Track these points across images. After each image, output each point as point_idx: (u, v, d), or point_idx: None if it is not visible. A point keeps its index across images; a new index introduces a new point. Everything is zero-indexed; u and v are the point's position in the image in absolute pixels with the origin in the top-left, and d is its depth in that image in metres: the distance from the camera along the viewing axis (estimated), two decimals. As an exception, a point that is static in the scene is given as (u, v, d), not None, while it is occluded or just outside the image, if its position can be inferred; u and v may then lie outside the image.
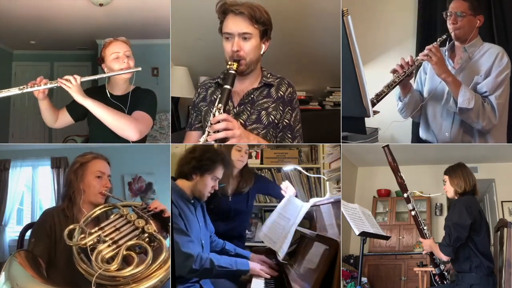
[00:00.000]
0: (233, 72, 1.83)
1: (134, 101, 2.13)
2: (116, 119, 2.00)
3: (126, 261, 1.54)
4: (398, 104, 2.44)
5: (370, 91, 2.14)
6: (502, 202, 3.62)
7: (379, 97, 2.24)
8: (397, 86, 2.29)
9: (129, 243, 1.53)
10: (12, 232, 3.99)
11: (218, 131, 1.74)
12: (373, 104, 2.22)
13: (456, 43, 2.32)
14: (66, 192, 1.84)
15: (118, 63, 2.10)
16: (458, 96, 2.16)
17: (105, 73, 2.13)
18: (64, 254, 1.68)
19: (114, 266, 1.44)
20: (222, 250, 2.27)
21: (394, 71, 2.27)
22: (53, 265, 1.67)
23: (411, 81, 2.38)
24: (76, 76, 1.97)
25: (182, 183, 2.00)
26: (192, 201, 2.02)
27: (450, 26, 2.24)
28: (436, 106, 2.37)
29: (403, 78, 2.25)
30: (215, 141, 1.77)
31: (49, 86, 1.96)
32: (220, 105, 1.78)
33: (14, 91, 1.94)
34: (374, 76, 2.45)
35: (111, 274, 1.43)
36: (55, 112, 2.19)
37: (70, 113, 2.21)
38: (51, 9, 3.30)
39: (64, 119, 2.23)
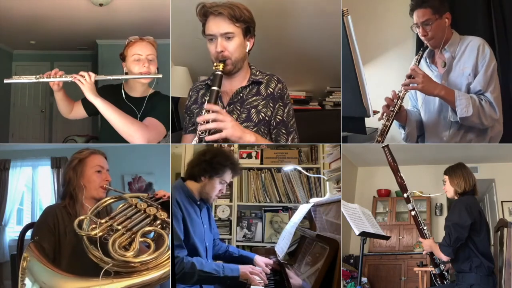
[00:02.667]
0: (219, 73, 1.83)
1: (150, 106, 2.08)
2: (124, 123, 1.95)
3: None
4: (402, 134, 2.40)
5: (370, 91, 2.14)
6: (502, 202, 3.62)
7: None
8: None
9: (146, 228, 1.57)
10: (12, 232, 3.99)
11: (208, 124, 1.73)
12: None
13: (435, 49, 2.28)
14: (66, 190, 1.84)
15: (138, 66, 2.04)
16: (455, 106, 2.12)
17: (124, 71, 2.09)
18: (68, 250, 1.70)
19: (131, 252, 1.47)
20: (226, 253, 2.27)
21: (382, 114, 2.22)
22: (57, 262, 1.68)
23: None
24: (91, 73, 1.94)
25: (191, 185, 2.02)
26: (198, 203, 2.03)
27: (422, 38, 2.20)
28: (430, 113, 2.35)
29: (393, 118, 2.21)
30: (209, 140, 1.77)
31: (63, 79, 1.97)
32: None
33: (30, 78, 1.96)
34: (374, 76, 2.46)
35: (128, 260, 1.46)
36: (70, 103, 2.17)
37: (85, 107, 2.19)
38: (51, 9, 3.30)
39: (78, 111, 2.21)
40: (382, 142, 2.20)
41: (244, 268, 1.95)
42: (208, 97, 1.82)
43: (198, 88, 2.08)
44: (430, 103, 2.33)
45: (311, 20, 2.85)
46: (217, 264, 1.92)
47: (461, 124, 2.22)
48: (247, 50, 1.93)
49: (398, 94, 2.19)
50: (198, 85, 2.10)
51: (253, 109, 1.93)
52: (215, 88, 1.81)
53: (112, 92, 2.07)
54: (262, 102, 1.94)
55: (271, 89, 1.96)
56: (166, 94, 2.20)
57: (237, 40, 1.87)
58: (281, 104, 1.95)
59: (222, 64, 1.84)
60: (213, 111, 1.74)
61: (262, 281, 1.95)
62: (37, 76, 1.95)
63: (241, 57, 1.91)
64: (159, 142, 2.14)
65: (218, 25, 1.85)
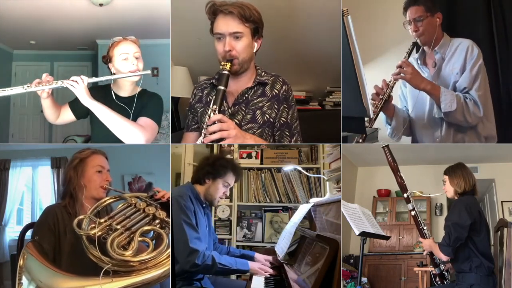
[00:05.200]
0: (226, 72, 1.83)
1: (140, 104, 2.08)
2: (123, 126, 1.95)
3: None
4: (388, 129, 2.43)
5: (370, 91, 2.15)
6: (502, 202, 3.62)
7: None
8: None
9: (145, 228, 1.58)
10: (12, 232, 3.99)
11: (213, 132, 1.75)
12: (363, 140, 2.28)
13: (425, 47, 2.32)
14: (67, 189, 1.85)
15: (127, 64, 2.04)
16: (440, 101, 2.18)
17: (110, 72, 2.09)
18: (68, 249, 1.70)
19: (129, 252, 1.48)
20: (228, 254, 2.31)
21: (372, 100, 2.26)
22: (57, 262, 1.68)
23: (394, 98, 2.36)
24: (83, 77, 1.93)
25: (198, 188, 2.12)
26: (204, 206, 2.11)
27: (413, 34, 2.25)
28: (421, 116, 2.37)
29: (381, 105, 2.25)
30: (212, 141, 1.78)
31: (54, 86, 1.92)
32: (214, 106, 1.78)
33: (17, 90, 1.89)
34: (374, 76, 2.45)
35: (127, 259, 1.47)
36: (57, 109, 2.12)
37: (73, 111, 2.15)
38: (51, 9, 3.30)
39: (66, 116, 2.16)
40: (371, 127, 2.28)
41: (253, 264, 2.10)
42: (214, 97, 1.82)
43: (203, 86, 2.08)
44: (422, 104, 2.35)
45: (311, 20, 2.85)
46: (231, 258, 2.03)
47: (450, 123, 2.26)
48: (254, 51, 1.93)
49: (388, 83, 2.25)
50: (203, 83, 2.09)
51: (258, 111, 1.93)
52: (221, 87, 1.81)
53: (101, 94, 2.05)
54: (267, 104, 1.94)
55: (276, 91, 1.96)
56: (153, 92, 2.18)
57: (245, 40, 1.87)
58: (285, 106, 1.95)
59: (229, 64, 1.84)
60: (217, 120, 1.76)
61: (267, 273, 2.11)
62: (25, 86, 1.88)
63: (248, 57, 1.91)
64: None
65: (227, 24, 1.85)
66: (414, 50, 2.34)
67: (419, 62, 2.35)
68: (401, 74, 2.20)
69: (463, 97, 2.18)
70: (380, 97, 2.25)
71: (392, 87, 2.25)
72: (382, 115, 2.35)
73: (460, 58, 2.21)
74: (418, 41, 2.26)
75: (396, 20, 3.02)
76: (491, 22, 2.63)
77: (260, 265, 2.14)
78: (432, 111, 2.31)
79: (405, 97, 2.46)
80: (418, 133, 2.42)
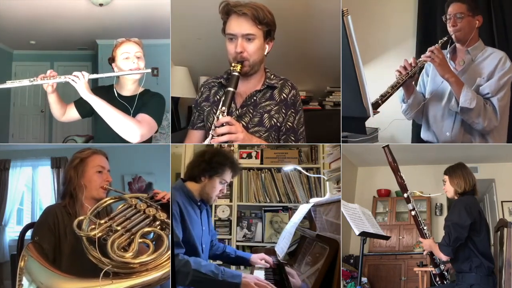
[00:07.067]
0: (236, 74, 1.82)
1: (141, 103, 2.11)
2: (119, 119, 1.98)
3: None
4: (402, 106, 2.45)
5: (370, 91, 2.14)
6: (502, 202, 3.62)
7: (384, 97, 2.26)
8: (401, 88, 2.31)
9: (145, 229, 1.58)
10: (12, 232, 3.99)
11: (221, 135, 1.75)
12: (378, 105, 2.24)
13: (458, 45, 2.34)
14: (67, 189, 1.85)
15: (128, 64, 2.09)
16: (460, 96, 2.18)
17: (115, 71, 2.13)
18: (68, 250, 1.70)
19: (130, 253, 1.48)
20: (223, 254, 2.26)
21: (398, 72, 2.29)
22: (57, 262, 1.68)
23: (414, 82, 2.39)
24: (84, 72, 1.99)
25: (191, 185, 1.99)
26: (199, 204, 2.00)
27: (450, 29, 2.27)
28: (437, 106, 2.38)
29: (406, 79, 2.27)
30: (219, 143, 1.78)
31: (57, 80, 2.01)
32: (224, 108, 1.77)
33: (25, 82, 1.99)
34: (374, 76, 2.46)
35: (127, 261, 1.47)
36: (63, 106, 2.18)
37: (78, 109, 2.20)
38: (51, 9, 3.30)
39: (71, 114, 2.21)
40: (391, 95, 2.27)
41: (248, 278, 1.76)
42: (223, 98, 1.81)
43: (211, 85, 2.07)
44: (439, 93, 2.36)
45: (311, 20, 2.85)
46: (217, 267, 1.75)
47: (463, 121, 2.25)
48: (265, 53, 1.93)
49: (417, 62, 2.27)
50: (211, 82, 2.08)
51: (265, 114, 1.92)
52: (231, 89, 1.80)
53: (104, 93, 2.10)
54: (275, 108, 1.93)
55: (284, 95, 1.95)
56: (156, 92, 2.21)
57: (257, 42, 1.87)
58: (293, 111, 1.95)
59: (239, 65, 1.83)
60: (225, 123, 1.75)
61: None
62: (31, 79, 1.98)
63: (259, 59, 1.90)
64: (150, 138, 2.17)
65: (240, 25, 1.84)
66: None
67: (448, 56, 2.36)
68: (432, 58, 2.21)
69: (484, 101, 2.19)
70: (407, 71, 2.26)
71: (421, 67, 2.28)
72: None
73: (491, 65, 2.23)
74: (453, 36, 2.27)
75: (396, 20, 3.03)
76: (491, 22, 2.64)
77: (258, 281, 1.76)
78: (448, 104, 2.32)
79: (424, 85, 2.47)
80: (429, 123, 2.43)
